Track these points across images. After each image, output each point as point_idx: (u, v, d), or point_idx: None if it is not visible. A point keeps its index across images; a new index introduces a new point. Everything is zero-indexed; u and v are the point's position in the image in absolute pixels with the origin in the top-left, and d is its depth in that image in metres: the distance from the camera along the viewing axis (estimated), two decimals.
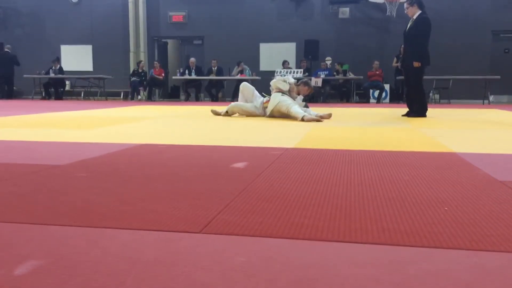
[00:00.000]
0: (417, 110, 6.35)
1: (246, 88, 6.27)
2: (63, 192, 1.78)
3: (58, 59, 14.42)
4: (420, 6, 6.21)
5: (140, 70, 14.12)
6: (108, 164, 2.43)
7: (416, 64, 6.15)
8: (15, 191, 1.79)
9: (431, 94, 12.02)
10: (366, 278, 0.99)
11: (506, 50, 13.96)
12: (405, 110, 6.69)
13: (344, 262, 1.08)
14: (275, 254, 1.13)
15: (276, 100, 5.76)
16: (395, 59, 12.87)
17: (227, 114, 6.15)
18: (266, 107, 5.93)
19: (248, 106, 6.12)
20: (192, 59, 13.71)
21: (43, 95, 14.30)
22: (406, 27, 6.39)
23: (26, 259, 1.08)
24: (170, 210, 1.51)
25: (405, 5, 6.34)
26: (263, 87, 7.24)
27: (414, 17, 6.23)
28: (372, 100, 13.12)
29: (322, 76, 12.73)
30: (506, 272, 1.03)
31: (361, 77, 13.00)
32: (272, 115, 5.86)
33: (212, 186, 1.87)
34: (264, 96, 6.12)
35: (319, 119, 5.41)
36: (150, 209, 1.53)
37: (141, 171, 2.22)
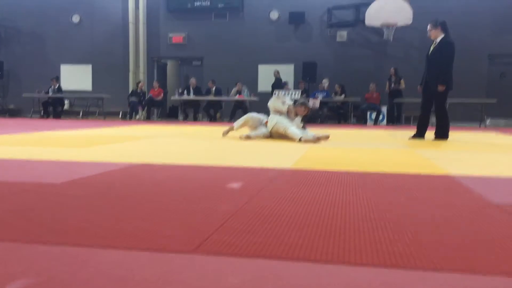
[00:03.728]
0: (441, 132, 6.32)
1: (251, 118, 6.08)
2: (57, 210, 1.77)
3: (57, 78, 14.50)
4: (444, 29, 6.17)
5: (139, 90, 14.20)
6: (103, 183, 2.42)
7: (440, 88, 6.12)
8: (9, 209, 1.78)
9: None
10: None
11: (503, 74, 14.10)
12: (402, 132, 6.70)
13: (338, 284, 1.08)
14: (269, 275, 1.12)
15: (274, 121, 5.78)
16: (387, 84, 13.01)
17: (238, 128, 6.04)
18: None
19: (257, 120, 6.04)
20: (193, 80, 13.83)
21: (42, 113, 14.34)
22: (429, 50, 6.33)
23: (18, 277, 1.07)
24: (163, 230, 1.50)
25: (429, 27, 6.25)
26: (261, 108, 7.26)
27: (438, 40, 6.19)
28: (369, 122, 13.18)
29: (320, 97, 12.81)
30: None
31: (359, 99, 13.10)
32: (270, 136, 5.88)
33: (206, 206, 1.87)
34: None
35: (316, 140, 5.43)
36: (144, 228, 1.52)
37: (136, 190, 2.21)
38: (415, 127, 6.68)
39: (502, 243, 1.41)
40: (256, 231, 1.50)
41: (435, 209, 1.88)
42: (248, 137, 5.81)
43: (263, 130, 5.95)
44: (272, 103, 5.97)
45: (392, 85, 12.89)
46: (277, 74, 13.80)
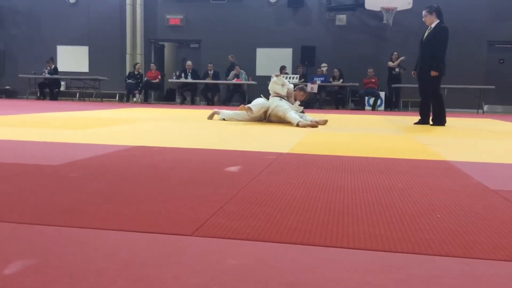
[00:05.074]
0: (438, 119, 6.35)
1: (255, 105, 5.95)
2: (54, 192, 1.77)
3: (52, 59, 14.38)
4: (439, 15, 6.23)
5: (136, 72, 14.11)
6: (100, 165, 2.42)
7: (434, 73, 6.17)
8: (6, 190, 1.78)
9: None
10: (357, 283, 0.99)
11: (501, 60, 14.07)
12: (400, 117, 6.71)
13: (335, 267, 1.08)
14: (267, 258, 1.13)
15: (274, 104, 5.77)
16: (390, 62, 12.85)
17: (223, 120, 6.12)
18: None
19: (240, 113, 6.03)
20: (189, 62, 13.72)
21: (38, 95, 14.25)
22: (423, 35, 6.38)
23: (16, 258, 1.07)
24: (162, 212, 1.51)
25: (424, 12, 6.33)
26: (259, 92, 7.24)
27: (432, 25, 6.25)
28: (367, 107, 13.17)
29: (318, 82, 12.76)
30: (496, 280, 1.03)
31: (357, 84, 13.05)
32: (269, 119, 5.88)
33: (205, 189, 1.87)
34: (260, 97, 6.09)
35: (314, 124, 5.42)
36: (142, 210, 1.52)
37: (134, 173, 2.21)
38: (413, 112, 6.71)
39: (499, 229, 1.42)
40: (255, 215, 1.50)
41: (433, 194, 1.89)
42: (223, 119, 6.02)
43: (243, 115, 5.92)
44: (271, 87, 5.95)
45: (397, 69, 12.76)
46: (231, 59, 13.82)
